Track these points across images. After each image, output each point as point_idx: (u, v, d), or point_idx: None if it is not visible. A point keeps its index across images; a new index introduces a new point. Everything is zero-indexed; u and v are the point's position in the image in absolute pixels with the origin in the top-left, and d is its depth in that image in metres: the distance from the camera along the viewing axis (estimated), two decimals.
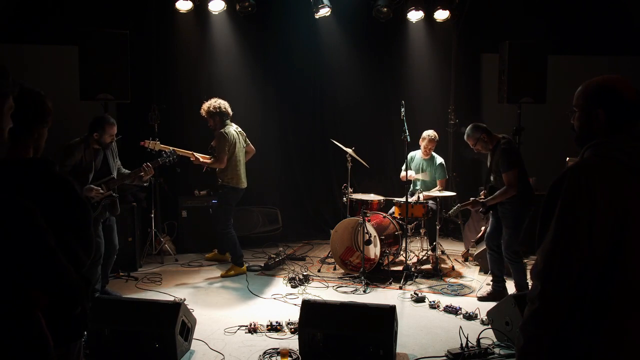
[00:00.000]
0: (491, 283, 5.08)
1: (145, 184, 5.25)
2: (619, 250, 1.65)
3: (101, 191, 4.62)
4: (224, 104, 5.70)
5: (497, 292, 4.94)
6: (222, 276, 5.81)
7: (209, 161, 5.67)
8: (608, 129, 1.77)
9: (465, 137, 5.01)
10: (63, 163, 4.56)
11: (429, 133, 6.30)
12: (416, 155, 6.48)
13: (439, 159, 6.40)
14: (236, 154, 5.70)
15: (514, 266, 4.79)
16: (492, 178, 4.90)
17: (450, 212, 5.24)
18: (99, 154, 4.73)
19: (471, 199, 5.05)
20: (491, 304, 4.34)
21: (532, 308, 1.72)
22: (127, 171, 5.03)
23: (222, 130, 5.63)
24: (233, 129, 5.74)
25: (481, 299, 4.98)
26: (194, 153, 5.65)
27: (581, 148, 1.83)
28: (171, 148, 5.36)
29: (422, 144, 6.33)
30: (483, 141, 4.85)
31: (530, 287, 4.90)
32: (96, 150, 4.71)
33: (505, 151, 4.68)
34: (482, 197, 4.97)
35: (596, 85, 1.81)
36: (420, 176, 6.37)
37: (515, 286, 4.84)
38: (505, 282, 5.04)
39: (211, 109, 5.65)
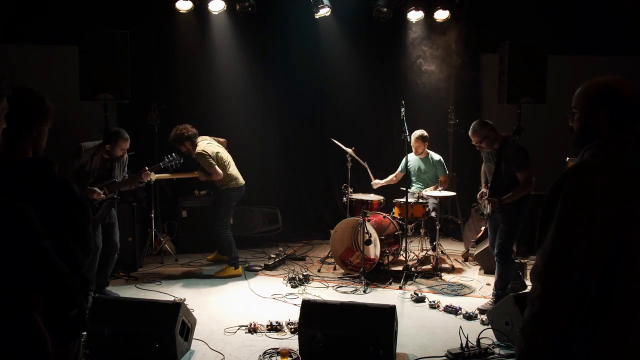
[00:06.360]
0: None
1: (141, 184, 5.33)
2: (621, 251, 1.63)
3: (102, 195, 4.72)
4: (185, 128, 5.65)
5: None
6: (215, 275, 5.79)
7: (207, 177, 5.78)
8: (609, 130, 1.75)
9: (470, 132, 4.69)
10: (71, 161, 4.69)
11: (415, 132, 6.30)
12: (410, 157, 6.38)
13: (436, 156, 6.41)
14: (222, 159, 5.74)
15: (500, 268, 4.62)
16: (496, 179, 4.65)
17: (487, 212, 4.90)
18: (106, 163, 4.84)
19: (485, 199, 4.77)
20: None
21: (532, 310, 1.70)
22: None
23: (197, 151, 5.62)
24: (205, 142, 5.76)
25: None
26: (195, 172, 5.79)
27: (580, 150, 1.80)
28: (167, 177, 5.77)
29: (413, 145, 6.33)
30: (490, 139, 4.61)
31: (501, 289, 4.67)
32: (104, 159, 4.82)
33: (518, 150, 4.52)
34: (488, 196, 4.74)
35: (598, 86, 1.78)
36: (384, 182, 6.52)
37: (494, 287, 4.74)
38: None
39: (177, 137, 5.64)
